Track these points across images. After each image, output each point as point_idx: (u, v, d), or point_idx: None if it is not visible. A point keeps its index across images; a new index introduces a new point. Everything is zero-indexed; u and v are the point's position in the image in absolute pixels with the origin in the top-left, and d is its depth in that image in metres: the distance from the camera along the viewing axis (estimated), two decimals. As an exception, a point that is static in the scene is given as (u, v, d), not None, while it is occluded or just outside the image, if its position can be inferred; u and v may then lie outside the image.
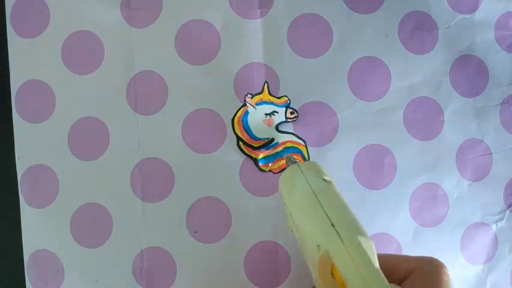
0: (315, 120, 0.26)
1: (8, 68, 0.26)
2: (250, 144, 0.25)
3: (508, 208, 0.27)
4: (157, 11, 0.26)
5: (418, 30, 0.27)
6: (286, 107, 0.24)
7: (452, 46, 0.27)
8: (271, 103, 0.24)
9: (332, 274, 0.15)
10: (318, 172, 0.19)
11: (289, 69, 0.26)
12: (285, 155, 0.25)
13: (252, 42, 0.26)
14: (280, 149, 0.25)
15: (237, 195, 0.25)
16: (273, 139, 0.25)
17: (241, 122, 0.25)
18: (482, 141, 0.27)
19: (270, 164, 0.25)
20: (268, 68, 0.26)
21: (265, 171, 0.25)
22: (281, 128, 0.25)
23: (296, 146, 0.25)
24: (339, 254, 0.15)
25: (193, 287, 0.25)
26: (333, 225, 0.16)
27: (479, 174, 0.27)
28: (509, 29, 0.28)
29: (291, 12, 0.26)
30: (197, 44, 0.26)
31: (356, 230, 0.16)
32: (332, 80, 0.26)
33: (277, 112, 0.24)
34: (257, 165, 0.25)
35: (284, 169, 0.24)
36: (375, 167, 0.26)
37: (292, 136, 0.25)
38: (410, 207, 0.26)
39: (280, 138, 0.25)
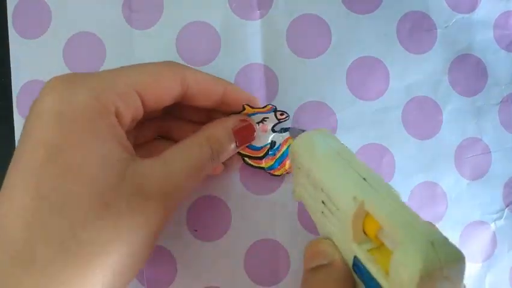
0: (314, 119, 0.26)
1: (10, 69, 0.26)
2: (255, 157, 0.24)
3: (506, 207, 0.27)
4: (158, 13, 0.26)
5: (417, 30, 0.27)
6: (274, 111, 0.24)
7: (451, 45, 0.27)
8: (258, 113, 0.23)
9: (364, 231, 0.15)
10: (334, 137, 0.20)
11: (288, 70, 0.26)
12: (290, 129, 0.24)
13: (251, 43, 0.26)
14: (285, 147, 0.24)
15: (236, 193, 0.25)
16: (274, 142, 0.24)
17: None
18: (481, 140, 0.27)
19: (280, 168, 0.24)
20: (267, 68, 0.26)
21: (279, 175, 0.24)
22: (277, 129, 0.25)
23: None
24: (376, 202, 0.14)
25: (194, 285, 0.25)
26: (364, 179, 0.16)
27: (478, 173, 0.27)
28: (509, 28, 0.28)
29: (290, 13, 0.26)
30: (197, 45, 0.26)
31: (385, 183, 0.16)
32: (330, 79, 0.26)
33: (267, 118, 0.24)
34: (270, 173, 0.24)
35: None
36: (373, 166, 0.26)
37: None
38: (409, 206, 0.26)
39: (281, 137, 0.25)
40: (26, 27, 0.26)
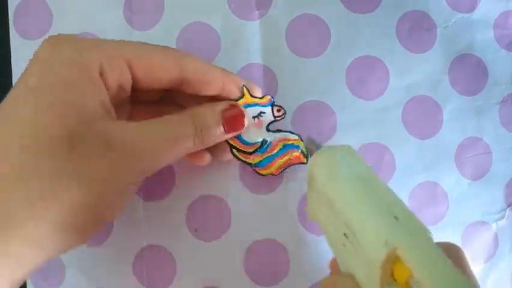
0: (314, 119, 0.26)
1: (11, 69, 0.26)
2: (244, 151, 0.23)
3: (508, 207, 0.27)
4: (159, 14, 0.26)
5: (417, 29, 0.27)
6: (271, 105, 0.23)
7: (451, 45, 0.27)
8: (256, 104, 0.23)
9: (392, 274, 0.14)
10: (359, 158, 0.17)
11: (287, 69, 0.26)
12: (306, 139, 0.23)
13: (250, 43, 0.26)
14: (276, 150, 0.24)
15: (236, 193, 0.25)
16: (265, 141, 0.24)
17: None
18: (482, 139, 0.27)
19: (266, 167, 0.24)
20: (266, 68, 0.26)
21: (264, 175, 0.24)
22: (272, 128, 0.24)
23: (292, 142, 0.24)
24: (410, 249, 0.13)
25: (193, 284, 0.25)
26: (396, 218, 0.14)
27: (479, 173, 0.27)
28: (508, 28, 0.28)
29: (289, 13, 0.26)
30: (198, 45, 0.26)
31: (419, 224, 0.14)
32: (330, 79, 0.26)
33: (264, 113, 0.23)
34: (255, 170, 0.24)
35: (285, 169, 0.24)
36: (373, 166, 0.26)
37: (286, 133, 0.24)
38: (409, 206, 0.26)
39: (273, 138, 0.24)
40: (27, 28, 0.26)
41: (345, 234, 0.16)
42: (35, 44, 0.26)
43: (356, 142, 0.26)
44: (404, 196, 0.26)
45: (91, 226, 0.18)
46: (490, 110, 0.27)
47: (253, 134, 0.23)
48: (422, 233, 0.14)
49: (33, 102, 0.17)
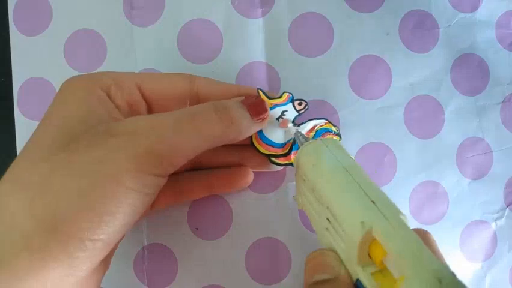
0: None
1: (11, 66, 0.26)
2: (281, 154, 0.23)
3: (507, 206, 0.27)
4: (160, 10, 0.26)
5: (419, 29, 0.27)
6: (291, 101, 0.22)
7: (453, 45, 0.27)
8: (276, 106, 0.22)
9: (368, 254, 0.15)
10: (343, 150, 0.19)
11: (290, 68, 0.26)
12: (295, 133, 0.22)
13: (253, 41, 0.26)
14: (311, 135, 0.23)
15: (237, 191, 0.25)
16: (298, 133, 0.23)
17: (261, 141, 0.23)
18: (483, 139, 0.27)
19: None
20: (269, 66, 0.26)
21: None
22: (299, 122, 0.23)
23: (322, 127, 0.23)
24: (385, 230, 0.14)
25: (194, 283, 0.25)
26: (373, 202, 0.15)
27: (479, 173, 0.27)
28: (510, 28, 0.28)
29: (292, 11, 0.26)
30: (199, 43, 0.26)
31: (394, 207, 0.15)
32: (332, 78, 0.26)
33: (286, 111, 0.22)
34: None
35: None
36: (375, 165, 0.26)
37: (313, 121, 0.23)
38: (410, 205, 0.26)
39: (303, 130, 0.23)
40: (27, 25, 0.26)
41: (327, 219, 0.17)
42: (34, 40, 0.26)
43: (357, 141, 0.26)
44: (405, 195, 0.26)
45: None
46: (492, 110, 0.27)
47: (283, 134, 0.23)
48: (396, 214, 0.15)
49: (44, 129, 0.18)
